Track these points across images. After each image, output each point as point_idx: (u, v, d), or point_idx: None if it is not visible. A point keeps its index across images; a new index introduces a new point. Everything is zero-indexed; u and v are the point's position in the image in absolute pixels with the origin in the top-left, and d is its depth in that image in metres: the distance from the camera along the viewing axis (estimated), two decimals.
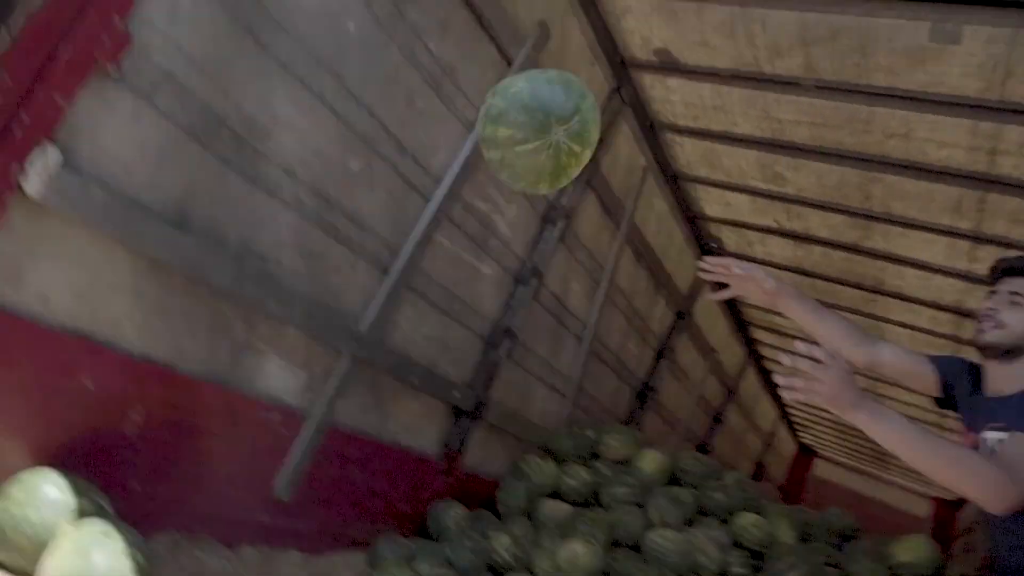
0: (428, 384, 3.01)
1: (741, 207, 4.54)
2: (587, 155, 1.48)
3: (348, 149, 2.38)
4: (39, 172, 1.54)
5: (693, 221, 5.03)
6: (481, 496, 3.43)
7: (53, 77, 1.53)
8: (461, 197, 2.89)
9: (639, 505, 3.41)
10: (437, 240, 2.83)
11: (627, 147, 4.01)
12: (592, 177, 3.69)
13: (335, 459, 2.62)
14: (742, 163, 3.97)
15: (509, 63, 2.91)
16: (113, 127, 1.71)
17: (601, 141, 3.55)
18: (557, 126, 1.39)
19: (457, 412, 3.29)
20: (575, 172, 1.49)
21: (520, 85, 1.42)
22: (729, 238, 5.14)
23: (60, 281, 1.71)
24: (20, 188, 1.54)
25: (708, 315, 6.11)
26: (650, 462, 3.71)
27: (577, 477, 3.53)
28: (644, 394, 5.41)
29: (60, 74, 1.54)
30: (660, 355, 5.49)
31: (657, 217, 4.68)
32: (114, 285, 1.82)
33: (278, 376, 2.37)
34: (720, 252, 5.37)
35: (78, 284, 1.75)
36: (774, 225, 4.55)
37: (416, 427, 3.09)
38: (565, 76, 1.47)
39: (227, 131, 1.98)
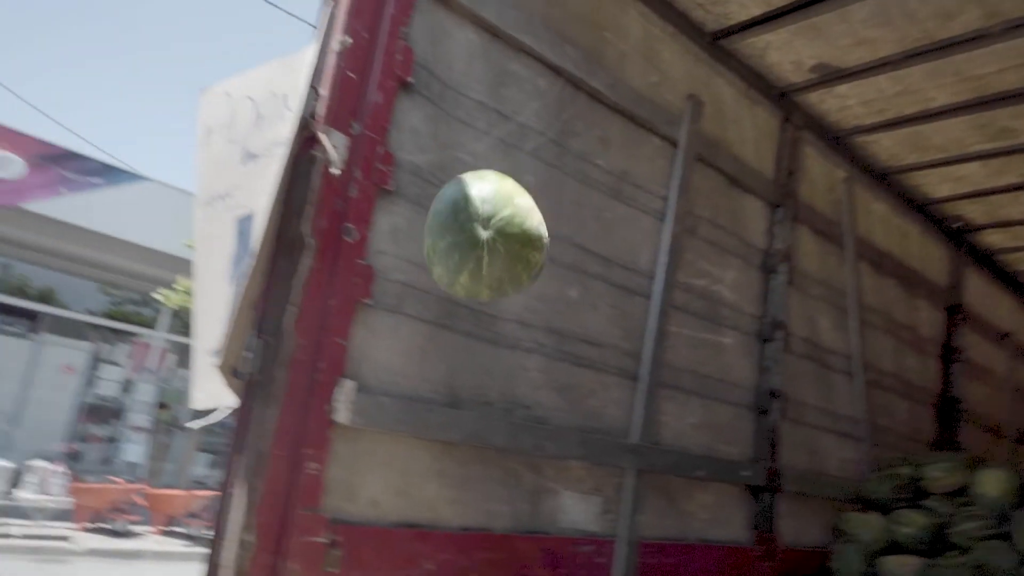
0: (714, 471, 2.95)
1: (973, 176, 4.08)
2: (520, 203, 1.41)
3: (563, 282, 2.55)
4: (343, 403, 1.85)
5: (923, 209, 4.58)
6: (810, 569, 3.20)
7: (331, 325, 1.86)
8: (677, 282, 2.92)
9: (1002, 537, 2.96)
10: (671, 331, 2.86)
11: (819, 167, 3.83)
12: (796, 211, 3.55)
13: (654, 573, 2.62)
14: (955, 133, 3.61)
15: (674, 144, 2.98)
16: (381, 344, 2.01)
17: (790, 173, 3.54)
18: (476, 226, 1.35)
19: (754, 490, 3.16)
20: (532, 221, 1.42)
21: (428, 242, 1.43)
22: (973, 211, 4.59)
23: (382, 485, 1.98)
24: (333, 422, 1.85)
25: (985, 297, 5.38)
26: (993, 484, 3.24)
27: (912, 523, 3.17)
28: (947, 408, 4.79)
29: (335, 321, 1.86)
30: (947, 360, 4.88)
31: (881, 220, 4.33)
32: (421, 474, 2.06)
33: (576, 509, 2.47)
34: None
35: (395, 483, 2.01)
36: (1022, 180, 4.01)
37: (718, 518, 3.01)
38: (441, 192, 1.46)
39: (462, 309, 2.22)
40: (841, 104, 3.57)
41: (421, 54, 2.16)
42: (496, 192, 1.39)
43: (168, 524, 9.70)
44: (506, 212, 1.37)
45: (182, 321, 11.98)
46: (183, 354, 12.33)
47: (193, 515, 9.76)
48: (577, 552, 2.41)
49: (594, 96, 2.69)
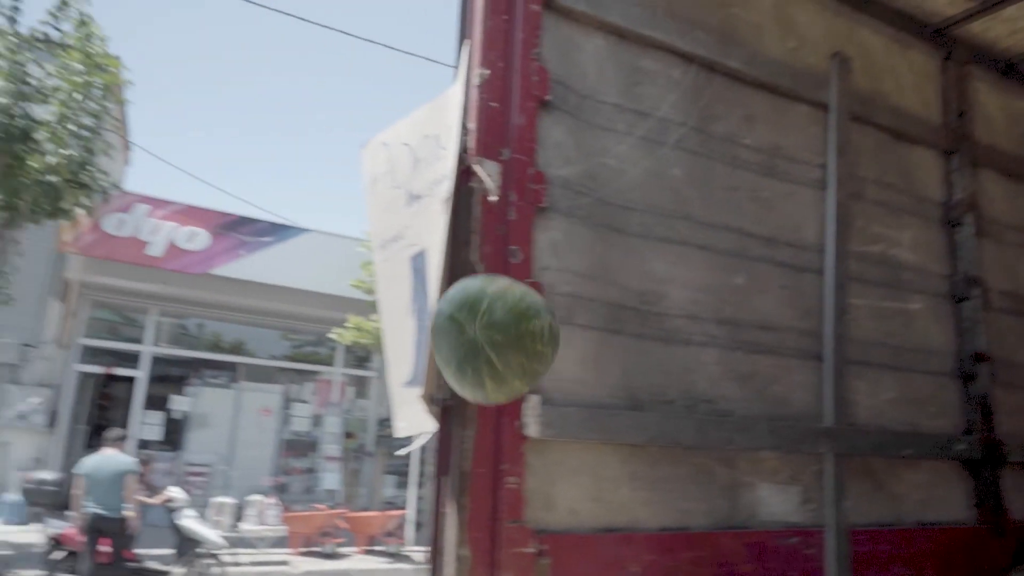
0: (921, 448, 2.74)
1: None
2: (493, 290, 1.42)
3: (726, 269, 2.49)
4: (531, 417, 1.92)
5: None
6: None
7: None
8: (850, 252, 2.75)
9: None
10: (850, 304, 2.70)
11: (995, 101, 3.47)
12: (975, 154, 3.23)
13: (871, 563, 2.47)
14: None
15: (825, 108, 2.82)
16: (558, 356, 2.05)
17: (961, 114, 3.22)
18: (468, 336, 1.40)
19: (970, 465, 2.89)
20: (511, 297, 1.42)
21: (444, 373, 1.47)
22: None
23: (577, 493, 2.03)
24: (525, 436, 1.92)
25: None
26: None
27: None
28: None
29: None
30: None
31: None
32: (613, 479, 2.09)
33: (774, 501, 2.39)
34: None
35: (590, 489, 2.05)
36: None
37: (933, 498, 2.78)
38: (431, 327, 1.48)
39: (629, 312, 2.23)
40: (1011, 28, 3.22)
41: (555, 70, 2.21)
42: (467, 296, 1.45)
43: (369, 544, 10.40)
44: (483, 306, 1.42)
45: (355, 356, 12.86)
46: (360, 386, 13.22)
47: (390, 534, 10.41)
48: (783, 545, 2.33)
49: (731, 75, 2.61)
